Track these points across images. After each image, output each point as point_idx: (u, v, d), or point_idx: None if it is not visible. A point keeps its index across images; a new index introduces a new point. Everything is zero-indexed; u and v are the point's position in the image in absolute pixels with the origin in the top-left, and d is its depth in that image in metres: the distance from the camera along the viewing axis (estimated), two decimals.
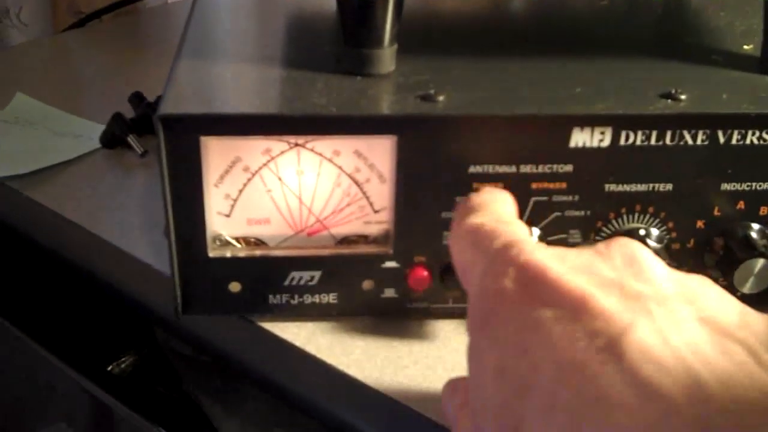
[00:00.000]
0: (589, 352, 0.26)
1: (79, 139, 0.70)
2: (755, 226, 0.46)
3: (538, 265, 0.29)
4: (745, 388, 0.24)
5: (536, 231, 0.45)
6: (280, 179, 0.44)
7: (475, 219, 0.35)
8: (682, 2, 0.64)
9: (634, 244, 0.31)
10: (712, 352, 0.25)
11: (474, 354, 0.31)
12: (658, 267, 0.30)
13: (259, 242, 0.46)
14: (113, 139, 0.68)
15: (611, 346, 0.26)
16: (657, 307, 0.27)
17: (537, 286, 0.29)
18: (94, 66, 0.89)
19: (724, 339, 0.26)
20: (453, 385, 0.38)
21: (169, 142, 0.41)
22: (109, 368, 0.67)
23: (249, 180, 0.44)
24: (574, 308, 0.27)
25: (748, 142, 0.44)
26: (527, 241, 0.32)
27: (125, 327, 0.67)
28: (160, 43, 0.97)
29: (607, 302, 0.27)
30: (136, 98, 0.72)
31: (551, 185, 0.44)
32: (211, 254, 0.45)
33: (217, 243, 0.46)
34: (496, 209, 0.36)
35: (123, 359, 0.67)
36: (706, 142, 0.43)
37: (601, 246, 0.31)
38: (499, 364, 0.29)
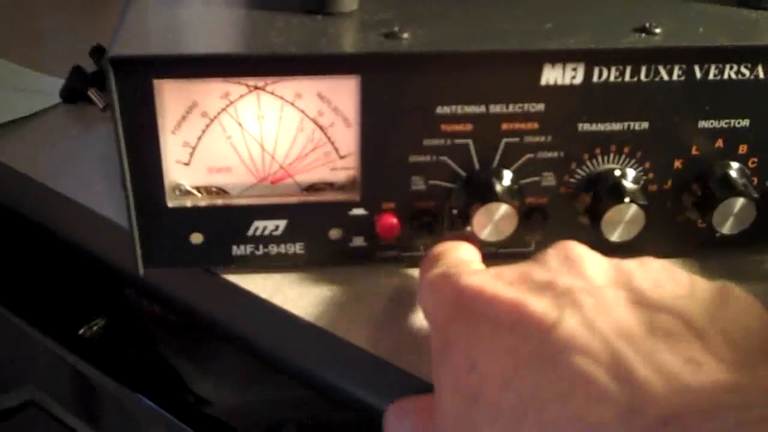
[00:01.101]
0: (524, 356, 0.28)
1: (38, 94, 0.68)
2: (734, 164, 0.44)
3: (475, 286, 0.32)
4: (668, 359, 0.25)
5: (508, 174, 0.43)
6: (240, 125, 0.42)
7: (435, 270, 0.37)
8: None
9: (568, 244, 0.33)
10: (638, 330, 0.27)
11: (436, 379, 0.33)
12: (591, 259, 0.32)
13: (220, 191, 0.44)
14: (73, 93, 0.66)
15: (541, 345, 0.28)
16: (587, 297, 0.29)
17: (476, 306, 0.31)
18: (53, 20, 0.87)
19: (656, 314, 0.28)
20: (401, 407, 0.38)
21: (120, 86, 0.39)
22: (80, 332, 0.65)
23: (208, 126, 0.42)
24: (510, 318, 0.29)
25: (725, 77, 0.42)
26: (470, 270, 0.35)
27: (94, 289, 0.66)
28: None
29: (538, 305, 0.29)
30: (97, 51, 0.70)
31: (522, 125, 0.42)
32: (171, 204, 0.43)
33: (177, 193, 0.44)
34: (454, 256, 0.39)
35: (94, 322, 0.66)
36: (682, 78, 0.42)
37: (538, 254, 0.34)
38: (453, 382, 0.31)
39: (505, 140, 0.43)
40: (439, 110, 0.42)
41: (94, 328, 0.66)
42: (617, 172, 0.44)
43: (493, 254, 0.45)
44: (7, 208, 0.63)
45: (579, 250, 0.33)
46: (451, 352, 0.31)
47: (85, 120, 0.65)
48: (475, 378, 0.29)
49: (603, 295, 0.29)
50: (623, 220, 0.43)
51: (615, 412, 0.24)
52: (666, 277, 0.31)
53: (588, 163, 0.44)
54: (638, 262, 0.32)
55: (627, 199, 0.42)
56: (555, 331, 0.27)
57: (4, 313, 0.65)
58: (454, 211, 0.44)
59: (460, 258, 0.39)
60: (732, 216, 0.44)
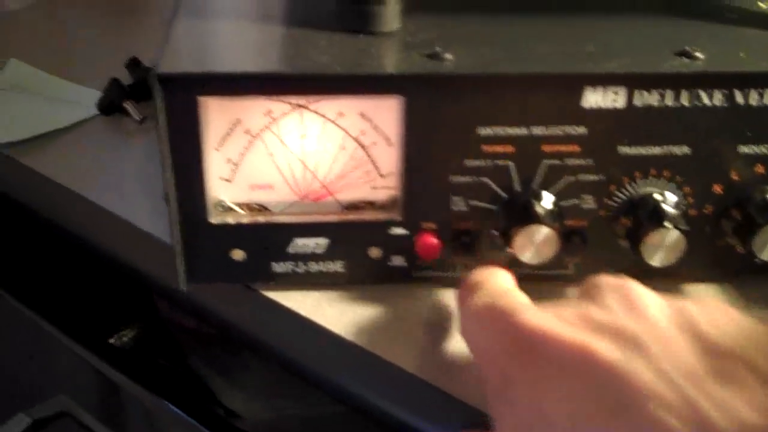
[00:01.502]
0: (593, 401, 0.27)
1: (76, 105, 0.68)
2: None
3: (535, 326, 0.31)
4: (740, 406, 0.25)
5: (549, 196, 0.43)
6: (282, 142, 0.43)
7: (477, 300, 0.37)
8: None
9: (627, 283, 0.33)
10: (706, 376, 0.27)
11: (497, 418, 0.32)
12: (650, 299, 0.32)
13: (262, 208, 0.44)
14: (110, 105, 0.66)
15: (613, 390, 0.27)
16: (653, 342, 0.29)
17: (538, 347, 0.31)
18: (89, 31, 0.88)
19: (723, 361, 0.27)
20: None
21: (167, 103, 0.40)
22: (111, 341, 0.66)
23: (251, 143, 0.42)
24: (575, 360, 0.29)
25: (766, 102, 0.42)
26: (525, 305, 0.34)
27: (126, 299, 0.66)
28: (155, 8, 0.95)
29: (605, 349, 0.29)
30: (133, 64, 0.71)
31: (564, 148, 0.43)
32: (213, 221, 0.44)
33: (219, 209, 0.44)
34: (493, 284, 0.39)
35: (124, 332, 0.66)
36: (723, 103, 0.42)
37: (593, 291, 0.33)
38: (517, 423, 0.30)
39: (546, 162, 0.43)
40: (481, 131, 0.42)
41: (125, 338, 0.67)
42: (657, 197, 0.44)
43: (530, 275, 0.45)
44: (43, 217, 0.64)
45: (638, 290, 0.33)
46: (513, 392, 0.31)
47: (122, 132, 0.65)
48: (542, 420, 0.29)
49: (668, 340, 0.29)
50: (663, 244, 0.43)
51: None
52: (726, 320, 0.30)
53: (628, 187, 0.44)
54: (698, 303, 0.31)
55: (668, 224, 0.42)
56: (627, 377, 0.27)
57: (38, 321, 0.66)
58: (495, 233, 0.44)
59: (502, 287, 0.39)
60: None
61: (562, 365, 0.29)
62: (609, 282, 0.34)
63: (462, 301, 0.39)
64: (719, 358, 0.28)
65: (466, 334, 0.38)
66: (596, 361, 0.28)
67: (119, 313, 0.66)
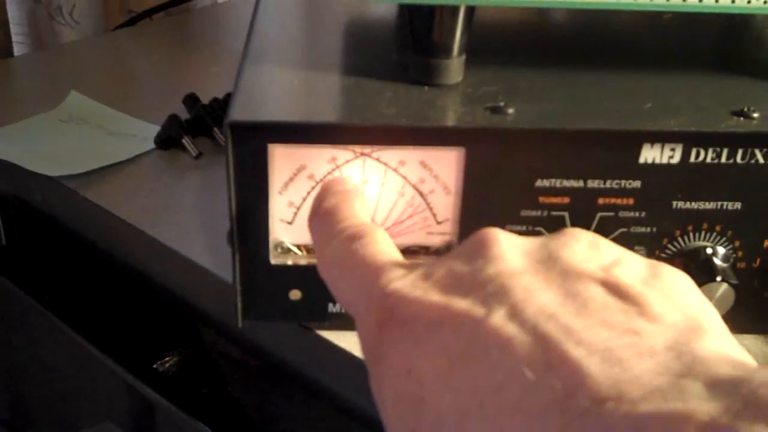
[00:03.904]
0: (457, 354, 0.27)
1: (133, 139, 0.70)
2: None
3: (402, 292, 0.30)
4: (603, 333, 0.25)
5: None
6: None
7: (336, 244, 0.35)
8: (746, 18, 0.63)
9: (484, 231, 0.31)
10: (568, 308, 0.26)
11: (376, 391, 0.31)
12: (505, 241, 0.30)
13: None
14: (168, 140, 0.68)
15: (472, 340, 0.26)
16: (511, 282, 0.28)
17: (404, 311, 0.29)
18: (145, 65, 0.90)
19: (584, 284, 0.27)
20: None
21: (237, 149, 0.41)
22: (153, 366, 0.67)
23: (313, 188, 0.44)
24: (439, 318, 0.28)
25: None
26: (390, 264, 0.32)
27: (169, 327, 0.68)
28: (210, 44, 0.98)
29: (464, 303, 0.28)
30: (191, 100, 0.73)
31: (618, 201, 0.44)
32: (273, 261, 0.45)
33: (279, 250, 0.45)
34: (351, 221, 0.36)
35: (167, 359, 0.68)
36: None
37: (465, 243, 0.32)
38: (394, 393, 0.29)
39: (600, 214, 0.44)
40: (539, 183, 0.43)
41: (167, 364, 0.68)
42: (708, 250, 0.45)
43: None
44: (98, 247, 0.66)
45: (491, 233, 0.31)
46: (386, 360, 0.30)
47: (179, 167, 0.67)
48: (414, 383, 0.28)
49: (526, 277, 0.28)
50: (714, 297, 0.43)
51: (552, 398, 0.24)
52: (595, 246, 0.29)
53: (680, 240, 0.45)
54: (557, 236, 0.31)
55: (718, 278, 0.43)
56: (483, 325, 0.27)
57: (85, 345, 0.67)
58: None
59: (362, 226, 0.35)
60: None
61: (428, 325, 0.28)
62: (477, 235, 0.32)
63: (316, 232, 0.37)
64: (583, 283, 0.27)
65: (326, 276, 0.35)
66: (456, 314, 0.28)
67: (162, 341, 0.68)
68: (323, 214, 0.37)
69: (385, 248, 0.34)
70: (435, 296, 0.29)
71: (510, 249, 0.30)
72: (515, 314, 0.26)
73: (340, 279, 0.34)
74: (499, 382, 0.25)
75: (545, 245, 0.30)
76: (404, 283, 0.31)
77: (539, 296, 0.27)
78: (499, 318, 0.26)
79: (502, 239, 0.31)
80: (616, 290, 0.27)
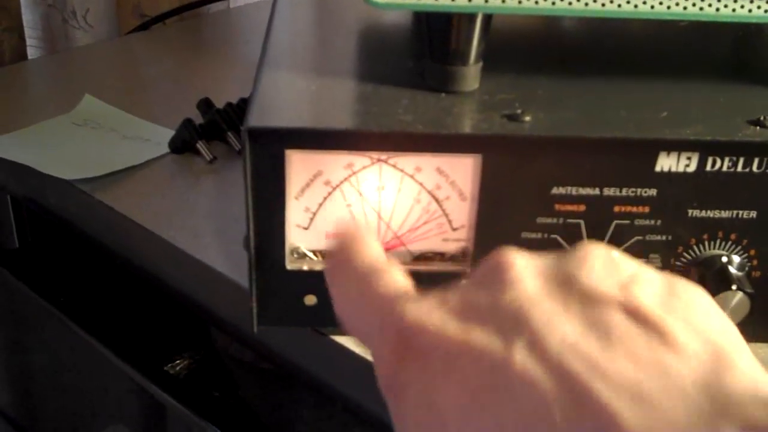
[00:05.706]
0: (479, 389, 0.26)
1: (148, 143, 0.70)
2: None
3: (419, 321, 0.29)
4: (629, 370, 0.24)
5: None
6: (360, 194, 0.44)
7: (349, 281, 0.34)
8: (760, 27, 0.63)
9: (499, 253, 0.30)
10: (591, 340, 0.26)
11: (398, 422, 0.30)
12: (521, 264, 0.29)
13: None
14: (182, 144, 0.68)
15: (495, 378, 0.26)
16: (530, 309, 0.27)
17: (422, 342, 0.29)
18: (159, 70, 0.90)
19: (598, 310, 0.26)
20: None
21: (254, 154, 0.42)
22: (165, 369, 0.67)
23: (329, 194, 0.44)
24: (459, 351, 0.28)
25: None
26: (404, 292, 0.32)
27: (181, 330, 0.68)
28: (223, 49, 0.98)
29: (483, 337, 0.27)
30: (205, 104, 0.73)
31: (634, 209, 0.44)
32: (289, 267, 0.45)
33: (295, 255, 0.46)
34: (363, 259, 0.35)
35: (177, 361, 0.68)
36: None
37: (480, 270, 0.31)
38: (416, 423, 0.29)
39: (615, 222, 0.44)
40: (555, 191, 0.43)
41: (178, 367, 0.68)
42: (723, 258, 0.45)
43: None
44: (111, 249, 0.66)
45: (506, 258, 0.30)
46: (407, 391, 0.29)
47: (192, 171, 0.67)
48: (436, 415, 0.28)
49: (544, 304, 0.27)
50: (729, 306, 0.43)
51: None
52: (610, 266, 0.29)
53: (695, 248, 0.45)
54: (573, 257, 0.29)
55: (734, 287, 0.43)
56: (504, 360, 0.26)
57: (97, 347, 0.68)
58: None
59: (374, 263, 0.35)
60: None
61: (447, 360, 0.28)
62: (492, 258, 0.31)
63: (331, 275, 0.36)
64: (594, 307, 0.27)
65: (341, 314, 0.35)
66: (476, 349, 0.27)
67: (173, 344, 0.68)
68: (336, 259, 0.36)
69: (398, 279, 0.33)
70: (452, 325, 0.28)
71: (526, 272, 0.29)
72: (536, 346, 0.26)
73: (355, 313, 0.33)
74: (526, 421, 0.25)
75: (561, 265, 0.29)
76: (420, 311, 0.30)
77: (560, 326, 0.26)
78: (519, 351, 0.26)
79: (517, 262, 0.30)
80: (636, 315, 0.26)
